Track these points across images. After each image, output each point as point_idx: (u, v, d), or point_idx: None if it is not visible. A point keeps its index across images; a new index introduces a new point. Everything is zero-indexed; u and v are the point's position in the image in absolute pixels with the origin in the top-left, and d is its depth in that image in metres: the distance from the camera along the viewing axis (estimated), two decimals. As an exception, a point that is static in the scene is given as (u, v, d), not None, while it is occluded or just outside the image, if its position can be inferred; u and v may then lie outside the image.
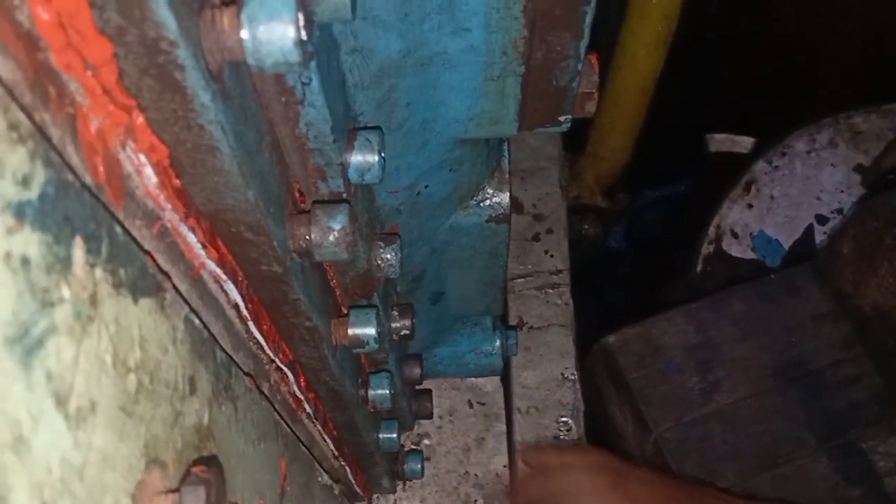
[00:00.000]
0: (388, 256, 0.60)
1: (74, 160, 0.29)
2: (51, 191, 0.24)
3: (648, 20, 1.72)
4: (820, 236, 1.51)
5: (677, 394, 1.09)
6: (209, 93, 0.31)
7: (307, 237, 0.45)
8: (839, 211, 1.54)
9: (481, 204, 0.72)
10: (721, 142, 2.07)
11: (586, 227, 2.14)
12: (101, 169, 0.30)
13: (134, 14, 0.27)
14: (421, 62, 0.52)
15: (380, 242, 0.60)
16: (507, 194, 0.73)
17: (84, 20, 0.27)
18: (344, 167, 0.49)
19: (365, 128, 0.51)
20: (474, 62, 0.53)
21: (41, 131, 0.25)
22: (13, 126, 0.23)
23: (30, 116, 0.25)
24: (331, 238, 0.45)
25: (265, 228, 0.41)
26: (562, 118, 0.59)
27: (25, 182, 0.23)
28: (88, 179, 0.30)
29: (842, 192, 1.57)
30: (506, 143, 0.73)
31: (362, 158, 0.50)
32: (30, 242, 0.23)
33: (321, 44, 0.42)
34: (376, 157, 0.50)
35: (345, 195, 0.50)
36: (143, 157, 0.33)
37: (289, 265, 0.45)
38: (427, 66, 0.53)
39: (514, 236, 1.27)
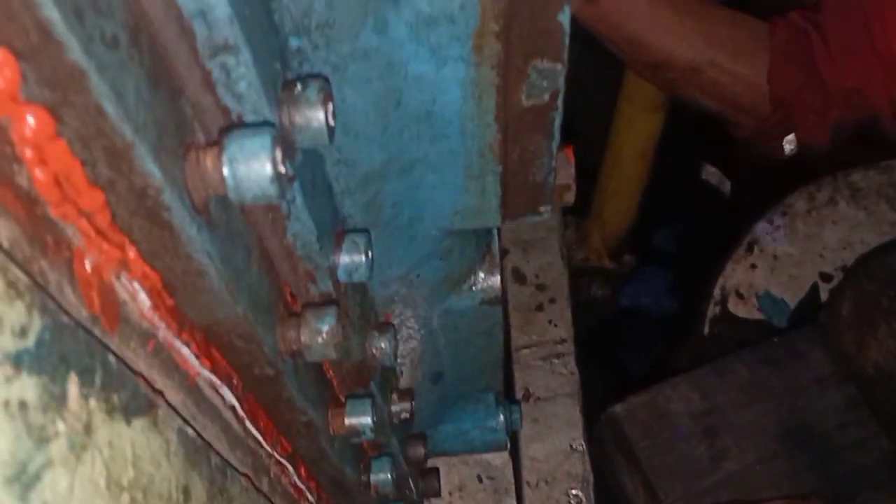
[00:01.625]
0: (383, 346, 0.63)
1: (71, 298, 0.32)
2: (47, 336, 0.27)
3: (644, 84, 1.77)
4: (825, 294, 1.52)
5: (686, 462, 1.09)
6: (195, 226, 0.35)
7: (298, 340, 0.48)
8: (843, 268, 1.55)
9: (473, 288, 0.75)
10: (712, 174, 2.09)
11: (594, 289, 2.15)
12: (96, 301, 0.33)
13: (122, 168, 0.31)
14: (403, 167, 0.56)
15: (374, 332, 0.63)
16: (498, 277, 0.75)
17: (78, 175, 0.30)
18: (333, 269, 0.52)
19: (353, 230, 0.54)
20: (454, 164, 0.57)
21: (38, 283, 0.28)
22: (11, 284, 0.26)
23: (28, 269, 0.28)
24: (319, 340, 0.48)
25: (256, 337, 0.44)
26: (542, 209, 0.62)
27: (23, 332, 0.26)
28: (84, 313, 0.33)
29: (844, 249, 1.59)
30: (495, 228, 0.76)
31: (350, 260, 0.53)
32: (27, 387, 0.26)
33: (305, 162, 0.46)
34: (363, 259, 0.53)
35: (334, 295, 0.53)
36: (136, 285, 0.36)
37: (281, 367, 0.47)
38: (409, 170, 0.56)
39: (517, 307, 1.29)
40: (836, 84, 1.14)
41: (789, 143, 1.29)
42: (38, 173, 0.29)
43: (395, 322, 0.70)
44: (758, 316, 1.55)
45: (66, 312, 0.30)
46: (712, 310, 1.59)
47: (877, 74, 1.12)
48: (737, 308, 1.57)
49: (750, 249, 1.63)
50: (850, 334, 1.15)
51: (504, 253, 1.31)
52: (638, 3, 1.12)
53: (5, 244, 0.28)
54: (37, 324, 0.27)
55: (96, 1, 0.26)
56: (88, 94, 0.27)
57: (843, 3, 1.14)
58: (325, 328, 0.48)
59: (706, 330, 1.57)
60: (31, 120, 0.27)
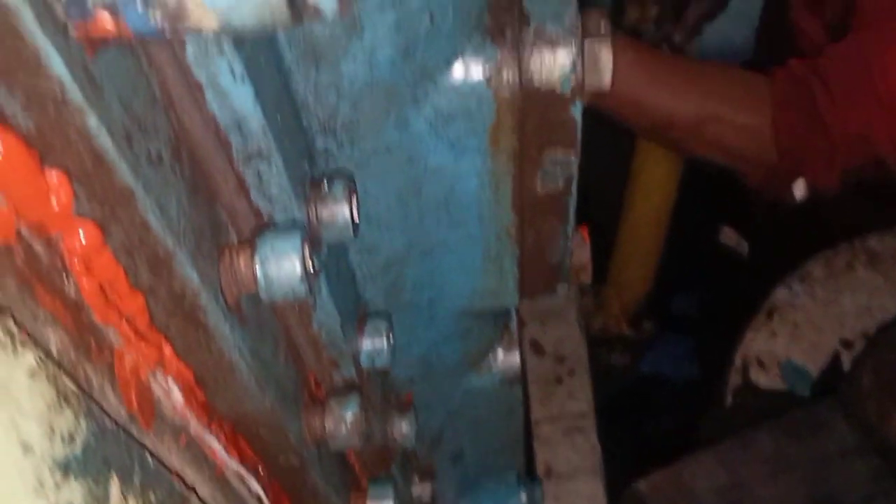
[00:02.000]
0: (404, 429, 0.64)
1: (112, 399, 0.33)
2: (92, 441, 0.29)
3: (658, 154, 1.79)
4: (847, 361, 1.51)
5: (713, 538, 1.07)
6: (228, 324, 0.36)
7: (322, 428, 0.49)
8: (864, 334, 1.54)
9: (493, 366, 0.75)
10: (730, 236, 2.09)
11: (614, 357, 2.14)
12: (134, 400, 0.35)
13: (163, 274, 0.32)
14: (423, 251, 0.57)
15: (395, 415, 0.64)
16: (517, 355, 0.76)
17: (121, 282, 0.32)
18: (355, 355, 0.53)
19: (374, 314, 0.56)
20: (473, 247, 0.58)
21: (84, 388, 0.29)
22: (61, 393, 0.27)
23: (74, 374, 0.29)
24: (343, 429, 0.49)
25: (283, 427, 0.45)
26: (559, 288, 0.64)
27: (71, 439, 0.27)
28: (123, 413, 0.34)
29: (864, 315, 1.58)
30: (513, 307, 0.77)
31: (373, 346, 0.54)
32: (74, 491, 0.27)
33: (330, 254, 0.47)
34: (385, 344, 0.54)
35: (357, 381, 0.54)
36: (170, 381, 0.38)
37: (306, 456, 0.48)
38: (429, 253, 0.58)
39: (536, 380, 1.29)
40: (841, 129, 1.15)
41: (799, 189, 1.29)
42: (85, 282, 0.31)
43: (416, 402, 0.71)
44: (780, 385, 1.53)
45: (108, 415, 0.31)
46: (734, 379, 1.57)
47: (879, 118, 1.13)
48: (759, 377, 1.56)
49: (770, 316, 1.62)
50: (872, 405, 1.14)
51: (521, 324, 1.32)
52: (635, 68, 1.14)
53: (55, 353, 0.29)
54: (83, 430, 0.28)
55: (144, 124, 0.28)
56: (135, 210, 0.29)
57: (843, 49, 1.16)
58: (349, 417, 0.49)
59: (729, 400, 1.55)
60: (81, 234, 0.29)
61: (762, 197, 1.76)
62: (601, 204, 1.86)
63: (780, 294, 1.63)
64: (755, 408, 1.50)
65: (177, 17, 0.23)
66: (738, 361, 1.59)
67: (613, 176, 1.89)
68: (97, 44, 0.24)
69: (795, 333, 1.60)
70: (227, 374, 0.39)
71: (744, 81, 1.23)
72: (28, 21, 0.22)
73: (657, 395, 2.14)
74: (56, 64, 0.23)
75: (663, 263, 1.97)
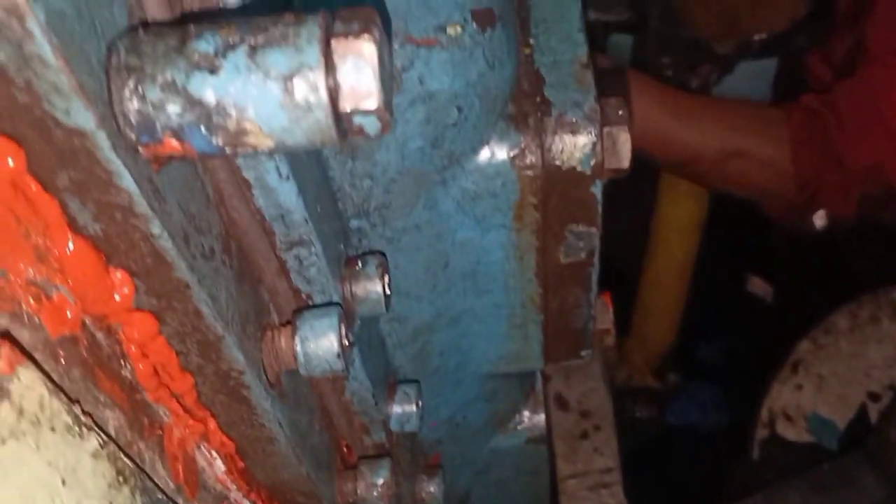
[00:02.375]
0: (432, 489, 0.65)
1: (161, 472, 0.35)
2: (145, 515, 0.31)
3: (679, 208, 1.81)
4: (874, 413, 1.50)
5: None
6: (269, 399, 0.38)
7: (354, 493, 0.51)
8: (890, 387, 1.53)
9: (519, 427, 0.77)
10: (757, 285, 2.08)
11: (639, 409, 2.12)
12: (181, 472, 0.37)
13: (211, 356, 0.35)
14: (450, 319, 0.59)
15: (423, 476, 0.65)
16: (543, 416, 0.77)
17: (173, 364, 0.34)
18: (386, 421, 0.55)
19: (404, 381, 0.58)
20: (498, 315, 0.61)
21: (138, 465, 0.32)
22: (120, 472, 0.30)
23: (129, 453, 0.32)
24: (375, 493, 0.50)
25: (317, 493, 0.46)
26: (583, 353, 0.65)
27: (127, 515, 0.30)
28: (171, 485, 0.36)
29: (891, 367, 1.57)
30: (538, 370, 0.78)
31: (402, 411, 0.56)
32: (129, 566, 0.29)
33: (362, 326, 0.49)
34: (414, 409, 0.56)
35: (387, 445, 0.55)
36: (214, 453, 0.40)
37: (339, 521, 0.50)
38: (456, 321, 0.60)
39: (561, 434, 1.29)
40: (854, 162, 1.17)
41: (819, 219, 1.31)
42: (141, 366, 0.33)
43: (443, 462, 0.72)
44: (807, 438, 1.52)
45: (159, 488, 0.33)
46: (761, 432, 1.56)
47: (890, 149, 1.15)
48: (786, 430, 1.54)
49: (795, 369, 1.62)
50: (902, 460, 1.13)
51: (546, 379, 1.32)
52: (660, 106, 1.17)
53: (112, 432, 0.32)
54: (138, 505, 0.30)
55: (199, 223, 0.31)
56: (189, 301, 0.31)
57: (853, 85, 1.18)
58: (381, 482, 0.51)
59: (756, 453, 1.54)
60: (138, 323, 0.32)
61: (784, 233, 1.77)
62: (624, 255, 1.87)
63: (805, 347, 1.63)
64: (782, 461, 1.49)
65: (236, 139, 0.25)
66: (764, 414, 1.58)
67: (636, 227, 1.91)
68: (163, 160, 0.27)
69: (822, 386, 1.59)
70: (266, 444, 0.41)
71: (763, 117, 1.26)
72: (103, 144, 0.25)
73: (684, 446, 2.12)
74: (126, 181, 0.26)
75: (687, 314, 1.97)
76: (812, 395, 1.57)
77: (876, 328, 1.64)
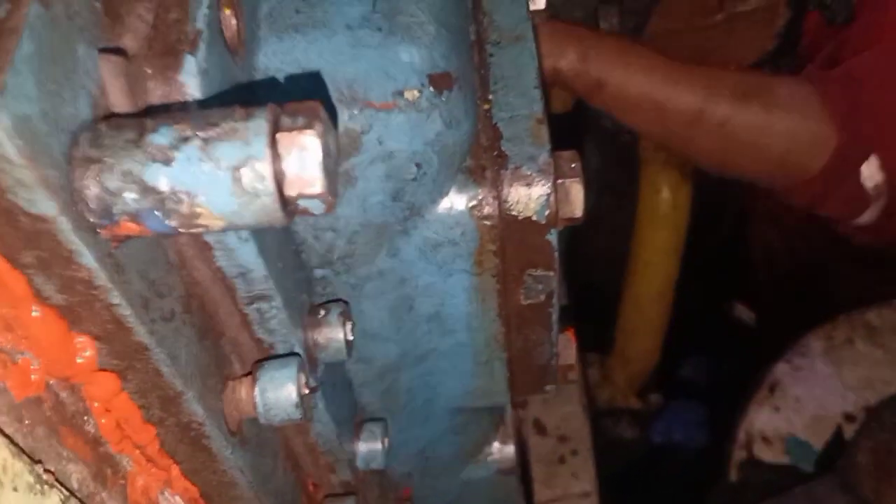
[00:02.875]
0: (401, 524, 0.67)
1: (124, 520, 0.37)
2: (105, 566, 0.32)
3: (658, 230, 1.83)
4: (850, 435, 1.52)
5: None
6: (230, 447, 0.40)
7: (319, 532, 0.52)
8: (865, 408, 1.55)
9: (489, 458, 0.79)
10: (742, 311, 2.10)
11: (621, 430, 2.14)
12: (144, 519, 0.39)
13: (172, 409, 0.36)
14: (416, 358, 0.61)
15: (393, 511, 0.67)
16: (513, 447, 0.79)
17: (135, 418, 0.36)
18: (351, 459, 0.57)
19: (370, 419, 0.59)
20: (463, 353, 0.62)
21: (100, 517, 0.33)
22: (81, 525, 0.31)
23: (92, 503, 0.33)
24: (339, 532, 0.52)
25: (281, 533, 0.48)
26: (548, 388, 0.67)
27: (87, 567, 0.31)
28: (134, 532, 0.38)
29: (866, 388, 1.59)
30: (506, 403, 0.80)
31: (368, 449, 0.58)
32: None
33: (327, 370, 0.51)
34: (380, 447, 0.58)
35: (353, 483, 0.57)
36: (177, 499, 0.42)
37: (303, 558, 0.52)
38: (422, 360, 0.62)
39: (539, 459, 1.31)
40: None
41: (871, 168, 1.11)
42: (103, 421, 0.35)
43: (415, 495, 0.74)
44: (784, 460, 1.54)
45: (121, 538, 0.35)
46: (738, 454, 1.58)
47: None
48: (763, 452, 1.57)
49: (772, 391, 1.64)
50: (870, 482, 1.15)
51: (524, 404, 1.34)
52: (623, 55, 1.00)
53: (76, 485, 0.33)
54: (98, 557, 0.32)
55: (159, 288, 0.33)
56: (149, 361, 0.33)
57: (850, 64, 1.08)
58: (345, 520, 0.52)
59: (733, 475, 1.56)
60: (101, 383, 0.33)
61: (767, 257, 1.74)
62: (606, 275, 1.90)
63: (781, 369, 1.65)
64: (760, 483, 1.51)
65: (189, 221, 0.27)
66: (741, 436, 1.60)
67: (618, 247, 1.93)
68: (121, 238, 0.29)
69: (798, 408, 1.61)
70: (229, 489, 0.43)
71: (756, 77, 1.09)
72: (64, 228, 0.27)
73: (668, 465, 2.13)
74: (86, 258, 0.28)
75: (671, 332, 1.99)
76: (789, 416, 1.60)
77: (851, 350, 1.67)
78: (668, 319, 1.97)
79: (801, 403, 1.65)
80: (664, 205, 1.86)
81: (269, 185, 0.26)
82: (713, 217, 2.01)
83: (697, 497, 1.75)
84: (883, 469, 1.14)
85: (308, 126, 0.27)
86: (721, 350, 2.19)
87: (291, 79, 0.41)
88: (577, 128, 1.77)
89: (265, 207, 0.27)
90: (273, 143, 0.27)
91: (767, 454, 1.59)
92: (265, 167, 0.26)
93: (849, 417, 1.58)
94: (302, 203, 0.28)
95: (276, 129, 0.27)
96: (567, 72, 0.96)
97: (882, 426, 1.10)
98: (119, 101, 0.30)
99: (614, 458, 1.85)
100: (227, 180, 0.26)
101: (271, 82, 0.41)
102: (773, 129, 1.03)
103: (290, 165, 0.27)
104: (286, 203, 0.27)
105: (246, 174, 0.26)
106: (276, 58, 0.42)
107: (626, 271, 1.94)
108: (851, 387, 1.64)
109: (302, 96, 0.28)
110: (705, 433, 2.14)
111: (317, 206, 0.28)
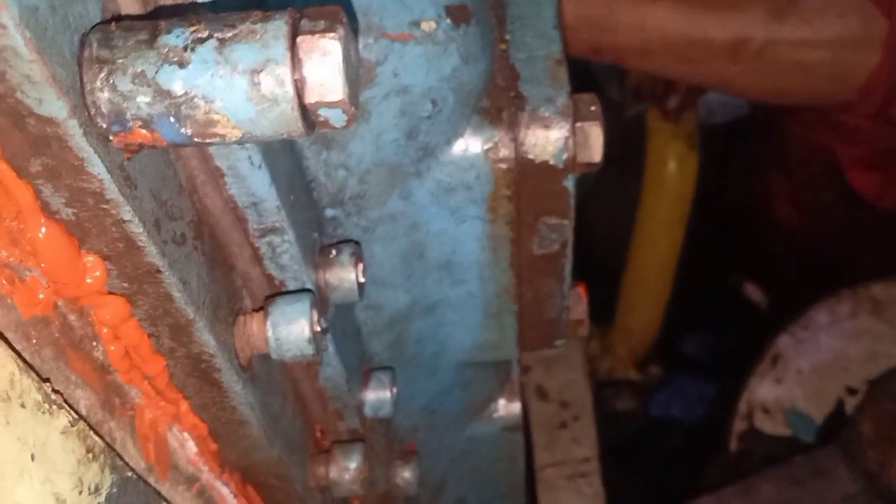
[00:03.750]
0: (407, 475, 0.66)
1: (132, 451, 0.36)
2: (115, 491, 0.32)
3: (663, 201, 1.82)
4: (851, 408, 1.52)
5: (713, 586, 1.08)
6: (240, 382, 0.39)
7: (327, 476, 0.52)
8: (868, 382, 1.55)
9: (494, 415, 0.78)
10: (752, 291, 2.09)
11: (621, 402, 2.14)
12: (152, 452, 0.38)
13: (183, 339, 0.36)
14: (426, 308, 0.61)
15: (398, 462, 0.66)
16: (519, 404, 0.78)
17: (144, 347, 0.35)
18: (360, 406, 0.56)
19: (379, 368, 0.59)
20: (473, 304, 0.62)
21: (108, 443, 0.32)
22: (90, 449, 0.31)
23: (100, 432, 0.32)
24: (347, 477, 0.51)
25: (289, 475, 0.47)
26: (557, 343, 0.66)
27: (96, 490, 0.31)
28: (142, 464, 0.37)
29: (869, 362, 1.59)
30: (514, 359, 0.80)
31: (376, 397, 0.57)
32: (97, 540, 0.30)
33: (337, 313, 0.50)
34: (389, 395, 0.57)
35: (361, 431, 0.56)
36: (186, 434, 0.41)
37: (310, 503, 0.51)
38: (432, 310, 0.61)
39: (540, 424, 1.31)
40: None
41: None
42: (112, 348, 0.34)
43: (419, 450, 0.73)
44: (785, 431, 1.54)
45: (129, 466, 0.34)
46: (739, 425, 1.58)
47: None
48: (763, 423, 1.57)
49: (774, 363, 1.64)
50: (873, 452, 1.15)
51: (526, 370, 1.34)
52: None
53: (84, 411, 0.33)
54: (107, 481, 0.31)
55: (170, 209, 0.32)
56: (160, 285, 0.32)
57: None
58: (353, 466, 0.52)
59: (734, 446, 1.56)
60: (110, 306, 0.32)
61: (784, 231, 1.69)
62: (609, 246, 1.89)
63: (785, 341, 1.65)
64: (760, 454, 1.51)
65: (205, 129, 0.26)
66: (742, 407, 1.60)
67: (621, 219, 1.92)
68: (134, 148, 0.28)
69: (800, 380, 1.61)
70: (238, 427, 0.42)
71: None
72: (74, 132, 0.26)
73: (666, 439, 2.14)
74: (97, 167, 0.27)
75: (673, 305, 1.98)
76: (790, 388, 1.59)
77: (854, 323, 1.67)
78: (671, 291, 1.97)
79: (803, 376, 1.65)
80: (670, 176, 1.85)
81: (289, 90, 0.25)
82: (718, 189, 1.99)
83: (694, 472, 1.75)
84: (887, 439, 1.13)
85: (329, 29, 0.26)
86: (724, 325, 2.19)
87: None
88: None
89: (284, 115, 0.26)
90: (293, 47, 0.25)
91: (768, 425, 1.59)
92: (285, 71, 0.25)
93: (851, 391, 1.58)
94: (322, 113, 0.26)
95: (295, 32, 0.26)
96: (569, 22, 0.90)
97: (887, 396, 1.09)
98: (129, 5, 0.29)
99: (613, 429, 1.85)
100: (244, 85, 0.25)
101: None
102: (817, 39, 0.96)
103: (310, 70, 0.26)
104: (306, 112, 0.26)
105: (265, 78, 0.25)
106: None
107: (629, 243, 1.93)
108: (854, 360, 1.64)
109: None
110: (704, 409, 2.14)
111: (337, 117, 0.27)
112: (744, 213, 1.99)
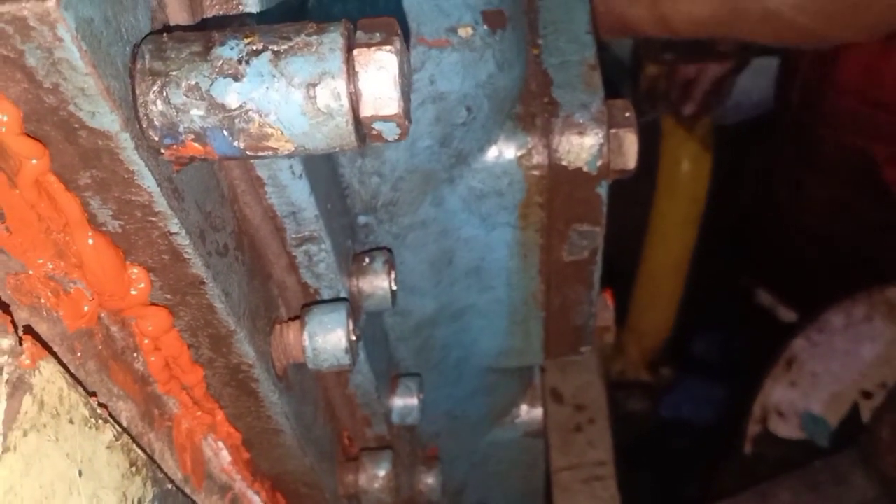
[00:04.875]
0: (430, 481, 0.66)
1: (170, 462, 0.36)
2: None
3: (677, 202, 1.81)
4: (866, 412, 1.51)
5: (730, 592, 1.07)
6: (276, 392, 0.39)
7: (356, 484, 0.52)
8: (883, 385, 1.54)
9: (516, 420, 0.78)
10: (765, 298, 2.08)
11: (632, 403, 2.14)
12: (188, 462, 0.38)
13: (222, 350, 0.35)
14: (453, 314, 0.60)
15: (422, 468, 0.66)
16: (541, 410, 0.78)
17: (184, 357, 0.35)
18: (387, 413, 0.56)
19: (406, 375, 0.58)
20: (500, 310, 0.61)
21: (150, 455, 0.32)
22: (133, 462, 0.30)
23: (141, 444, 0.32)
24: (376, 485, 0.51)
25: (319, 484, 0.47)
26: (583, 349, 0.66)
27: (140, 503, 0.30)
28: (179, 474, 0.37)
29: (884, 366, 1.58)
30: (537, 365, 0.79)
31: (404, 404, 0.57)
32: (141, 555, 0.30)
33: (367, 320, 0.50)
34: (416, 402, 0.57)
35: (388, 438, 0.56)
36: (220, 443, 0.41)
37: (339, 511, 0.51)
38: (459, 316, 0.61)
39: (556, 427, 1.31)
40: None
41: None
42: (153, 359, 0.34)
43: (441, 455, 0.73)
44: (799, 435, 1.54)
45: (169, 478, 0.34)
46: (753, 428, 1.58)
47: None
48: (778, 427, 1.56)
49: (789, 367, 1.63)
50: (891, 458, 1.14)
51: (541, 372, 1.33)
52: None
53: (125, 423, 0.32)
54: (149, 495, 0.31)
55: (214, 220, 0.32)
56: (203, 296, 0.32)
57: None
58: (382, 473, 0.51)
59: (748, 449, 1.55)
60: (153, 317, 0.32)
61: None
62: (620, 248, 1.88)
63: (799, 344, 1.64)
64: (774, 457, 1.50)
65: (258, 143, 0.26)
66: (757, 411, 1.59)
67: (632, 220, 1.92)
68: (184, 161, 0.28)
69: (814, 384, 1.60)
70: (272, 436, 0.42)
71: None
72: (126, 145, 0.25)
73: (677, 441, 2.13)
74: (147, 180, 0.26)
75: (684, 307, 1.98)
76: (805, 392, 1.59)
77: (869, 326, 1.66)
78: (683, 293, 1.96)
79: (818, 379, 1.64)
80: (684, 176, 1.85)
81: (345, 103, 0.25)
82: (731, 190, 1.98)
83: (706, 472, 1.75)
84: (905, 444, 1.12)
85: (386, 42, 0.25)
86: (733, 327, 2.18)
87: (343, 8, 0.40)
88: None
89: (338, 129, 0.25)
90: (349, 60, 0.25)
91: (782, 429, 1.59)
92: (341, 84, 0.25)
93: (866, 394, 1.57)
94: (376, 126, 0.26)
95: (351, 44, 0.25)
96: (639, 20, 0.89)
97: (907, 400, 1.08)
98: (177, 14, 0.28)
99: (623, 430, 1.85)
100: (299, 98, 0.25)
101: (324, 10, 0.39)
102: None
103: (366, 84, 0.25)
104: (360, 125, 0.26)
105: (321, 92, 0.25)
106: (328, -13, 0.40)
107: (642, 243, 1.93)
108: (869, 364, 1.63)
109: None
110: (714, 410, 2.13)
111: (391, 131, 0.26)
112: (762, 218, 1.98)
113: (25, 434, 0.25)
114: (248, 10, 0.30)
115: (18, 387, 0.25)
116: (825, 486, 1.19)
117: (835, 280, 1.74)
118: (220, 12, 0.30)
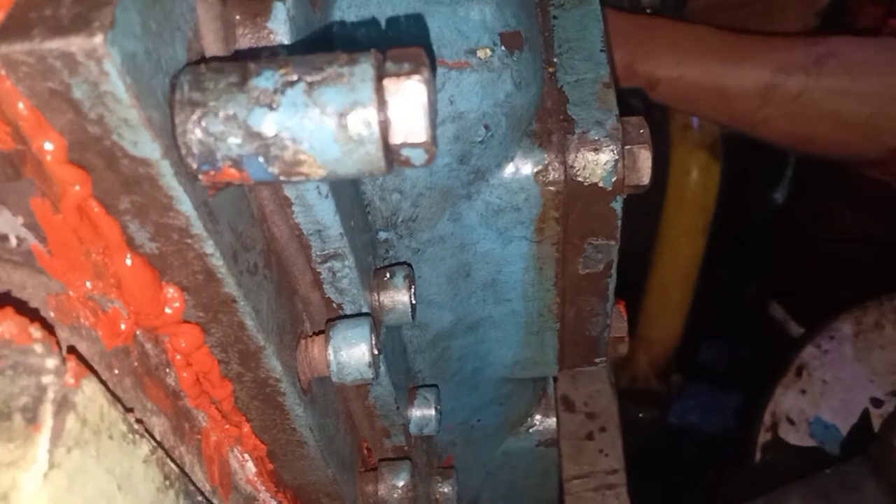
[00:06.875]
0: (446, 490, 0.67)
1: (199, 475, 0.37)
2: (189, 518, 0.32)
3: (686, 211, 1.82)
4: (877, 419, 1.51)
5: None
6: (302, 405, 0.40)
7: (375, 494, 0.52)
8: (893, 393, 1.54)
9: (531, 430, 0.78)
10: (777, 311, 2.08)
11: (642, 411, 2.14)
12: (216, 474, 0.39)
13: (251, 365, 0.36)
14: (469, 326, 0.61)
15: (437, 477, 0.67)
16: (555, 419, 0.79)
17: (214, 372, 0.36)
18: (405, 424, 0.57)
19: (423, 386, 0.59)
20: (516, 322, 0.62)
21: (182, 468, 0.33)
22: (167, 476, 0.31)
23: (173, 457, 0.33)
24: (395, 495, 0.52)
25: (340, 494, 0.48)
26: (597, 360, 0.67)
27: (174, 517, 0.31)
28: (208, 486, 0.38)
29: (894, 374, 1.58)
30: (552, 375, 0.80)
31: (421, 414, 0.57)
32: (176, 566, 0.31)
33: (387, 333, 0.51)
34: (434, 413, 0.57)
35: (406, 448, 0.57)
36: (246, 455, 0.41)
37: (359, 521, 0.52)
38: (475, 328, 0.62)
39: (567, 436, 1.31)
40: None
41: None
42: (184, 374, 0.35)
43: (456, 464, 0.74)
44: (809, 442, 1.54)
45: (199, 491, 0.35)
46: (763, 436, 1.58)
47: None
48: (788, 434, 1.56)
49: (798, 374, 1.63)
50: (905, 468, 1.14)
51: (553, 380, 1.34)
52: (675, 48, 0.96)
53: (158, 437, 0.33)
54: (183, 508, 0.32)
55: (245, 240, 0.33)
56: (235, 314, 0.33)
57: None
58: (401, 484, 0.52)
59: (758, 456, 1.56)
60: (186, 335, 0.33)
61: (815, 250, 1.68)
62: (629, 258, 1.88)
63: (810, 352, 1.64)
64: (784, 464, 1.50)
65: (291, 169, 0.27)
66: (767, 418, 1.59)
67: (641, 230, 1.92)
68: (220, 186, 0.29)
69: (825, 391, 1.60)
70: (296, 448, 0.43)
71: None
72: (166, 172, 0.26)
73: (686, 448, 2.13)
74: (185, 205, 0.27)
75: (693, 315, 1.98)
76: (815, 399, 1.59)
77: (880, 334, 1.66)
78: (692, 301, 1.96)
79: (828, 387, 1.64)
80: (693, 186, 1.85)
81: (375, 131, 0.26)
82: (738, 199, 1.99)
83: (716, 480, 1.75)
84: (917, 452, 1.12)
85: (414, 72, 0.26)
86: (741, 335, 2.18)
87: (366, 33, 0.41)
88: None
89: (368, 155, 0.26)
90: (379, 89, 0.26)
91: (792, 436, 1.59)
92: (371, 113, 0.26)
93: (876, 402, 1.57)
94: (405, 152, 0.27)
95: (381, 74, 0.26)
96: (618, 74, 0.93)
97: (918, 409, 1.08)
98: (213, 46, 0.30)
99: (634, 438, 1.85)
100: (332, 126, 0.26)
101: (348, 36, 0.40)
102: (854, 91, 0.96)
103: (395, 112, 0.26)
104: (389, 151, 0.27)
105: (352, 120, 0.26)
106: (351, 11, 0.41)
107: (651, 253, 1.93)
108: (880, 372, 1.63)
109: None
110: (723, 418, 2.13)
111: (419, 156, 0.27)
112: (780, 237, 1.98)
113: (69, 451, 0.26)
114: (279, 40, 0.31)
115: (63, 405, 0.26)
116: (835, 494, 1.19)
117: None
118: (253, 42, 0.31)
